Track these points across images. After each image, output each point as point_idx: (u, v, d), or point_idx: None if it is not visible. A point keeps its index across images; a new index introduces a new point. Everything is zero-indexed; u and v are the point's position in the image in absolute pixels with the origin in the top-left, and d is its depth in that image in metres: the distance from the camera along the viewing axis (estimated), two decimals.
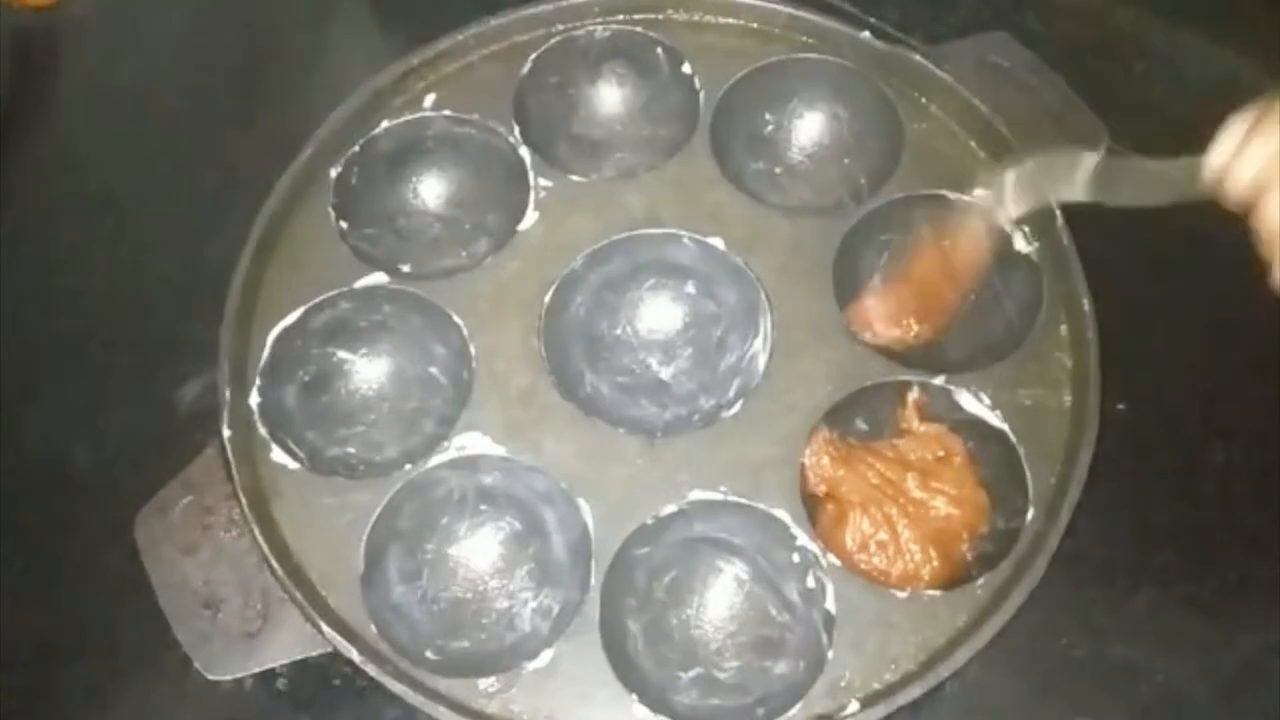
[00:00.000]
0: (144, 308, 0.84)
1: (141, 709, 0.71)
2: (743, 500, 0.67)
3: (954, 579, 0.67)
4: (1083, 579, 0.72)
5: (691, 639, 0.67)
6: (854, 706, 0.61)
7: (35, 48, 0.96)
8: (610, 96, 0.84)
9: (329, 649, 0.63)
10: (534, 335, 0.72)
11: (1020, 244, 0.75)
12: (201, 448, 0.69)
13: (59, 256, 0.87)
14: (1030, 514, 0.67)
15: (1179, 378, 0.79)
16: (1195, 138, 0.58)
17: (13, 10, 0.95)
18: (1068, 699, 0.71)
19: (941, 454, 0.71)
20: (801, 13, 0.82)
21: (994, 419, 0.69)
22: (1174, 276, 0.83)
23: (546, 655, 0.63)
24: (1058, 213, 0.72)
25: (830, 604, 0.64)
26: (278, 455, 0.69)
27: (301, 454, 0.69)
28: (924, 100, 0.80)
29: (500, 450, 0.69)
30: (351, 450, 0.72)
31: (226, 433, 0.67)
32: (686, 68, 0.81)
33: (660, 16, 0.83)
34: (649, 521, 0.66)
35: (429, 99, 0.80)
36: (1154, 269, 0.82)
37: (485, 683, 0.63)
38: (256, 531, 0.65)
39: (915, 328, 0.75)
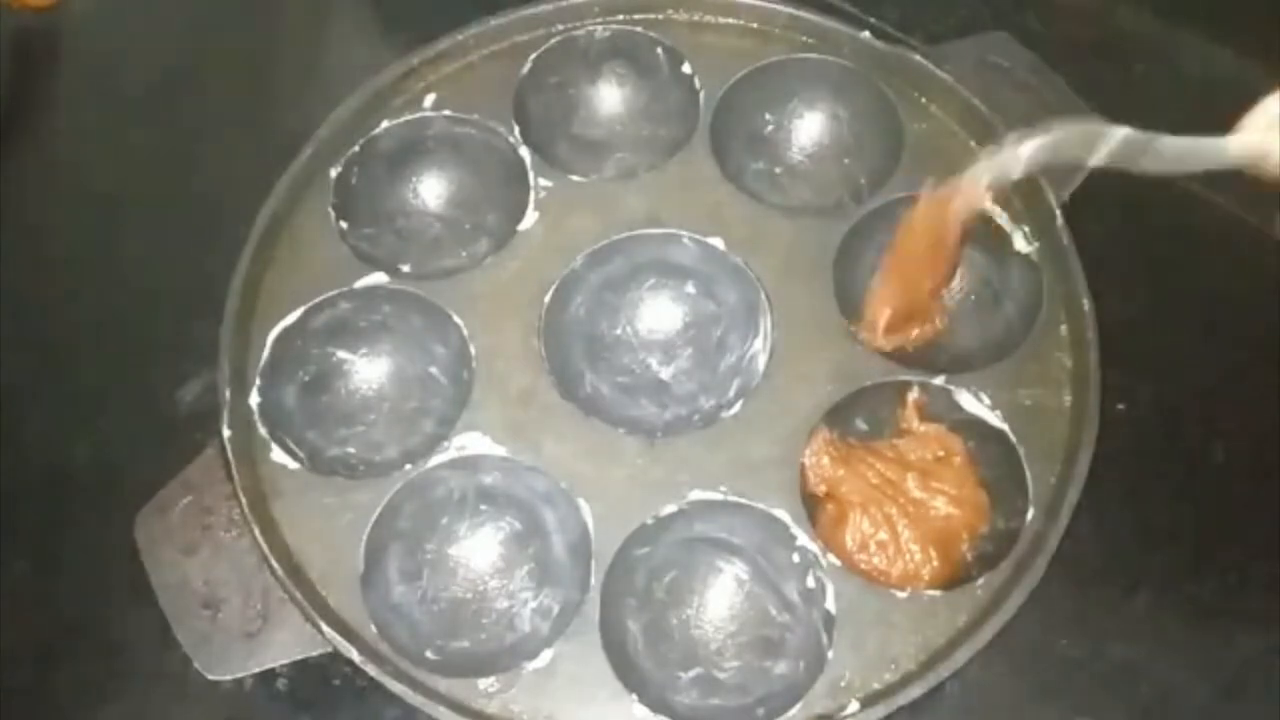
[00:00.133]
0: (144, 308, 0.84)
1: (141, 709, 0.71)
2: (743, 500, 0.67)
3: (954, 579, 0.67)
4: (1083, 579, 0.72)
5: (691, 639, 0.67)
6: (854, 706, 0.61)
7: (35, 48, 0.96)
8: (610, 96, 0.84)
9: (329, 649, 0.63)
10: (534, 335, 0.72)
11: (1020, 244, 0.75)
12: (201, 448, 0.69)
13: (59, 257, 0.87)
14: (1030, 514, 0.67)
15: (1179, 378, 0.79)
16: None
17: (13, 10, 0.95)
18: (1068, 699, 0.71)
19: (941, 454, 0.71)
20: (801, 13, 0.82)
21: (994, 419, 0.69)
22: (1174, 276, 0.83)
23: (546, 655, 0.63)
24: (1058, 213, 0.72)
25: (830, 604, 0.64)
26: (278, 455, 0.69)
27: (301, 454, 0.69)
28: (924, 100, 0.80)
29: (500, 450, 0.69)
30: (351, 450, 0.72)
31: (226, 433, 0.67)
32: (686, 68, 0.81)
33: (660, 16, 0.83)
34: (649, 521, 0.66)
35: (429, 99, 0.80)
36: (1154, 269, 0.83)
37: (485, 683, 0.63)
38: (256, 531, 0.65)
39: (915, 330, 0.75)
